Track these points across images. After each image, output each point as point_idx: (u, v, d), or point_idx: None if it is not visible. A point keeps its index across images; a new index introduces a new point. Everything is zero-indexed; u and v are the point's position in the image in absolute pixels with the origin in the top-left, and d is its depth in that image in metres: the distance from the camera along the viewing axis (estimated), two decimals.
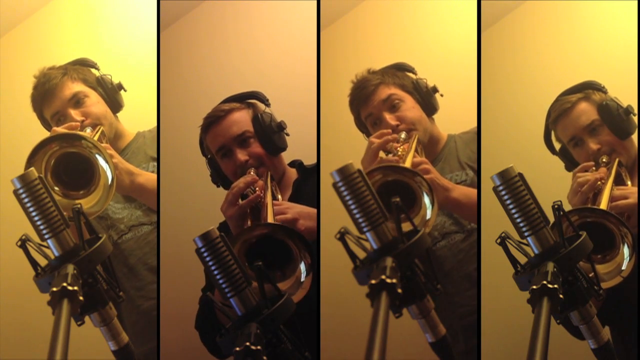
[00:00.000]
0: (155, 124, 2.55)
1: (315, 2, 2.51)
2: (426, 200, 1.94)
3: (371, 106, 2.32)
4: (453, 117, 2.42)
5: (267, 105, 2.32)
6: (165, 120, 2.55)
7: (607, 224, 1.88)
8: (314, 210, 2.07)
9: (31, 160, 2.08)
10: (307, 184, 2.31)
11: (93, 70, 2.52)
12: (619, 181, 2.14)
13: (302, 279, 1.85)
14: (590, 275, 1.57)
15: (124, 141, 2.54)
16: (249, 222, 2.02)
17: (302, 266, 1.85)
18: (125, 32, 2.74)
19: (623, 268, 1.86)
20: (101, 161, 2.12)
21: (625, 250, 1.86)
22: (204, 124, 2.31)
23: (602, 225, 1.88)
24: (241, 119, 2.28)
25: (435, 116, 2.37)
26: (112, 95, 2.49)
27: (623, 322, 2.11)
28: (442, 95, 2.34)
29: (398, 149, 2.15)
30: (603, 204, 1.96)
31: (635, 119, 2.22)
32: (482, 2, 2.44)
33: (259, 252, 1.82)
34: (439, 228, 2.31)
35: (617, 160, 2.17)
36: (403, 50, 2.66)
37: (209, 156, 2.35)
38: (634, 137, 2.23)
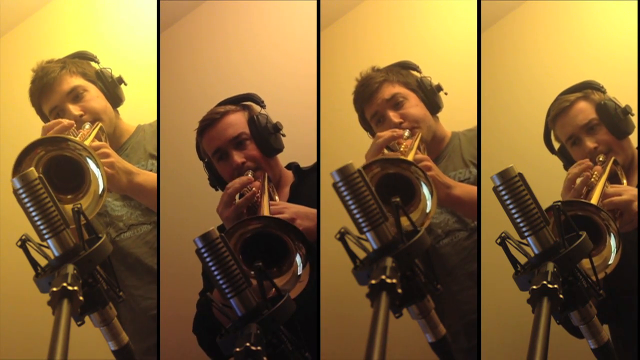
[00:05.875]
0: (155, 117, 2.51)
1: (315, 2, 2.51)
2: (425, 191, 1.90)
3: (375, 104, 2.31)
4: (455, 115, 2.42)
5: (263, 106, 2.30)
6: (165, 120, 2.54)
7: (594, 219, 1.85)
8: (312, 210, 2.05)
9: (18, 168, 1.97)
10: (303, 186, 2.29)
11: (92, 63, 2.47)
12: (614, 180, 2.14)
13: (299, 272, 1.82)
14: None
15: (124, 136, 2.49)
16: None
17: (298, 259, 1.82)
18: (126, 29, 2.71)
19: (609, 262, 1.83)
20: (92, 165, 2.01)
21: (612, 242, 1.84)
22: (200, 127, 2.29)
23: (589, 220, 1.85)
24: (237, 121, 2.26)
25: (438, 114, 2.37)
26: (112, 89, 2.43)
27: (622, 321, 2.11)
28: (446, 94, 2.34)
29: (401, 145, 2.14)
30: (594, 200, 1.95)
31: (633, 119, 2.22)
32: (482, 2, 2.44)
33: (254, 249, 1.81)
34: (442, 226, 2.31)
35: (612, 158, 2.17)
36: (403, 50, 2.66)
37: (205, 160, 2.32)
38: (632, 137, 2.23)
